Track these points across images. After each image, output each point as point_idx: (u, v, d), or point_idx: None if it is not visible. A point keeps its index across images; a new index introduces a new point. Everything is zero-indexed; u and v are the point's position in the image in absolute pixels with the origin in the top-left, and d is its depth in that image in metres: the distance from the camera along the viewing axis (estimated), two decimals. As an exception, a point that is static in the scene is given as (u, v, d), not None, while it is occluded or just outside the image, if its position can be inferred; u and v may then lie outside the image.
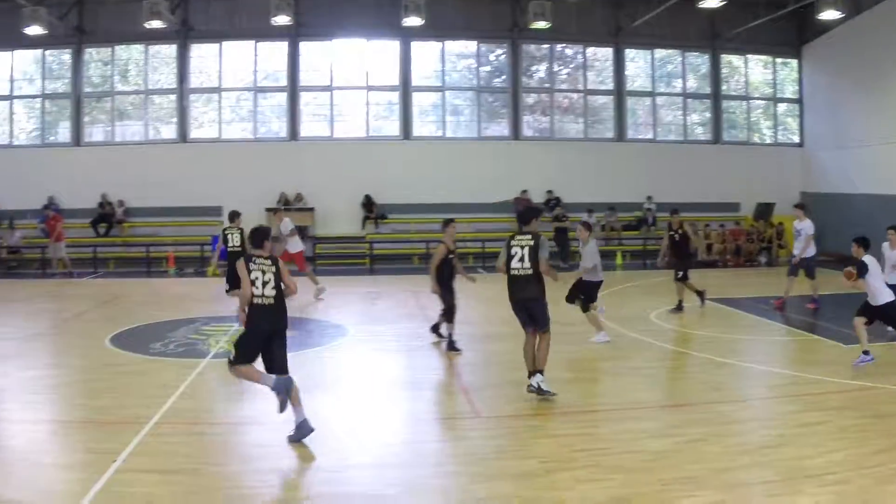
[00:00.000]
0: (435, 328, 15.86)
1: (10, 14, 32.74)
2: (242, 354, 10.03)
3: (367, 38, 35.46)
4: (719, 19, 34.69)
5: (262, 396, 11.69)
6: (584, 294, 16.01)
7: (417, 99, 35.75)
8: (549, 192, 34.40)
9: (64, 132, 36.09)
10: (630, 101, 36.38)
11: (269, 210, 32.94)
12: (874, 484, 8.13)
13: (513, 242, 11.74)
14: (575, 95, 36.66)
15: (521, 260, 11.54)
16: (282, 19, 32.11)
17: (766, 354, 15.05)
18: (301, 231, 32.77)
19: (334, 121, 35.63)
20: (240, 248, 19.00)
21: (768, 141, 37.91)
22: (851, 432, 9.85)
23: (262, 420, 10.71)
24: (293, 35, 34.89)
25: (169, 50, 35.69)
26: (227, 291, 18.62)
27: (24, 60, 36.23)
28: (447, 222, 15.16)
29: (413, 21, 31.69)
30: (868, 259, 13.24)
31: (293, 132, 35.34)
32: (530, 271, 11.53)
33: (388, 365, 13.74)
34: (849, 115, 32.79)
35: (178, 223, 33.69)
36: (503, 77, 36.17)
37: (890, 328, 14.37)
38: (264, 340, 10.01)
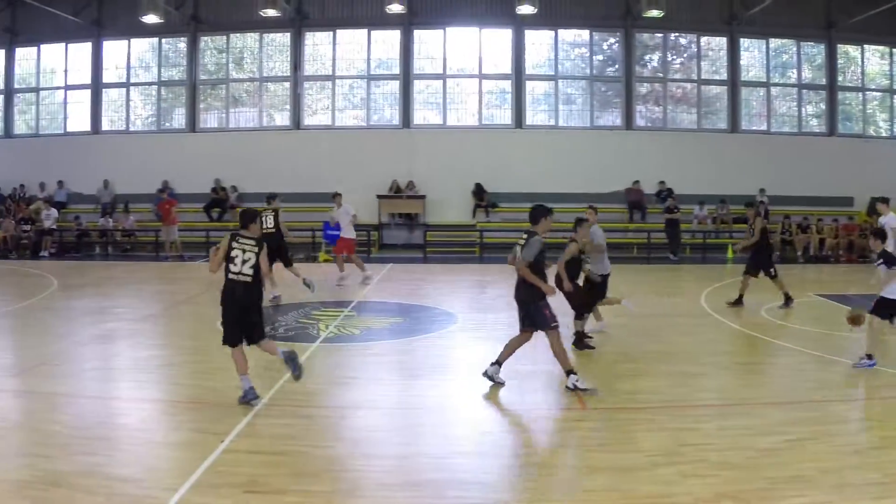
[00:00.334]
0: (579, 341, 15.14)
1: (127, 3, 33.43)
2: (228, 335, 10.48)
3: (479, 26, 35.45)
4: (835, 8, 34.28)
5: (371, 382, 11.83)
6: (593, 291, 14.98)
7: (530, 87, 35.70)
8: (661, 182, 34.11)
9: (179, 119, 36.68)
10: (744, 92, 35.89)
11: (380, 197, 33.20)
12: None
13: (520, 241, 11.48)
14: (688, 85, 36.32)
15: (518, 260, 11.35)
16: (395, 7, 32.30)
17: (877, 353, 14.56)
18: (411, 218, 33.14)
19: (447, 109, 35.79)
20: (273, 230, 18.86)
21: (884, 134, 37.16)
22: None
23: (369, 405, 10.71)
24: (406, 23, 35.03)
25: (283, 38, 36.05)
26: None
27: (141, 48, 36.99)
28: (580, 221, 14.70)
29: (526, 9, 31.66)
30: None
31: (406, 120, 35.48)
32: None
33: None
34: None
35: (289, 209, 33.67)
36: (616, 66, 35.95)
37: None
38: (240, 313, 10.42)
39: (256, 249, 10.33)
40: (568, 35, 36.00)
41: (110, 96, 37.10)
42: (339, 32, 35.74)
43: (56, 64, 37.26)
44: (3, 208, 34.34)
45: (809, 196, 33.69)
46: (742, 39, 35.54)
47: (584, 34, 35.92)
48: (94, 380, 11.92)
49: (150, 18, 32.38)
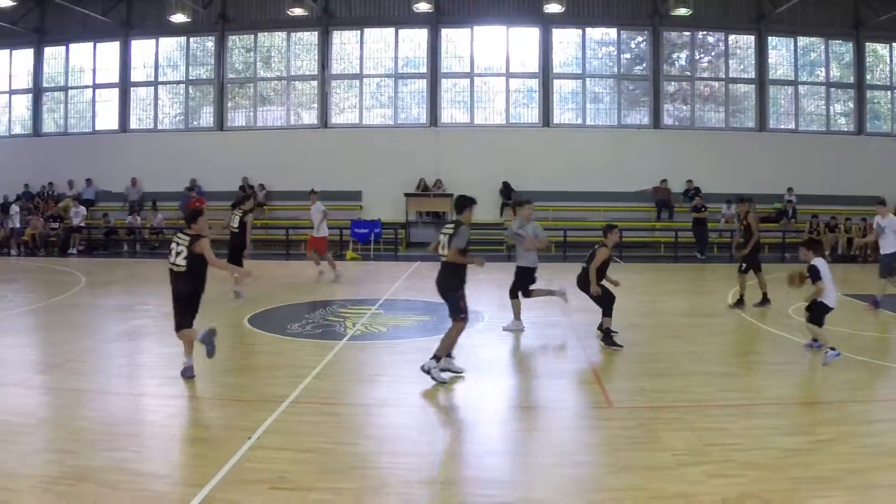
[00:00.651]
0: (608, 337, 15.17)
1: (156, 3, 33.78)
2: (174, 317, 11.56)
3: (507, 24, 35.46)
4: (863, 6, 34.08)
5: (397, 379, 11.76)
6: (521, 280, 15.50)
7: (557, 86, 35.64)
8: (689, 181, 34.03)
9: (207, 117, 36.88)
10: (772, 90, 35.72)
11: (407, 195, 33.24)
12: None
13: (442, 230, 11.99)
14: (716, 84, 36.19)
15: (444, 248, 11.68)
16: (423, 6, 32.38)
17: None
18: (438, 217, 33.15)
19: (474, 107, 35.80)
20: (237, 230, 19.83)
21: (914, 132, 36.76)
22: None
23: (397, 403, 10.64)
24: (434, 22, 35.09)
25: (311, 37, 36.20)
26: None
27: (169, 47, 37.31)
28: (610, 228, 14.89)
29: (553, 8, 31.67)
30: (819, 262, 12.99)
31: (433, 118, 35.52)
32: (446, 260, 11.71)
33: (523, 353, 13.53)
34: None
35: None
36: (643, 65, 35.87)
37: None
38: (174, 300, 11.53)
39: (187, 243, 11.17)
40: (595, 33, 35.91)
41: (138, 95, 37.38)
42: (367, 31, 35.89)
43: (84, 63, 37.60)
44: (32, 206, 34.62)
45: (837, 195, 33.49)
46: (770, 38, 35.39)
47: (612, 32, 35.81)
48: (121, 376, 11.96)
49: (178, 17, 32.72)
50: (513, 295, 15.56)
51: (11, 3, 29.64)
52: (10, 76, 38.30)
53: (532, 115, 35.59)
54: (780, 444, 8.70)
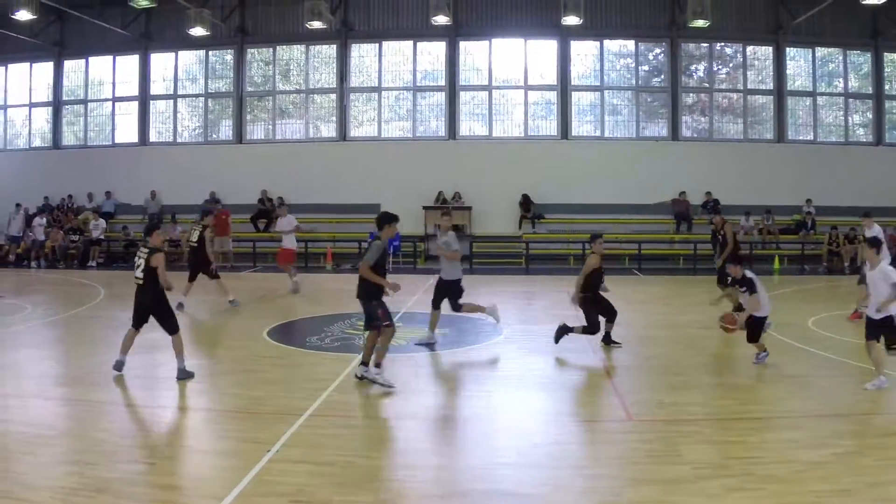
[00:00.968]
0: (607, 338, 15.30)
1: (175, 16, 33.96)
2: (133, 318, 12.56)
3: (525, 37, 35.45)
4: (882, 16, 33.86)
5: (415, 392, 11.82)
6: (449, 293, 15.52)
7: (576, 98, 35.59)
8: (708, 193, 33.86)
9: (226, 130, 37.02)
10: (790, 101, 35.54)
11: (426, 208, 33.24)
12: None
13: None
14: (734, 95, 36.08)
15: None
16: (441, 19, 32.29)
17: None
18: (457, 229, 33.11)
19: (492, 120, 35.81)
20: (195, 244, 20.66)
21: (934, 143, 36.52)
22: None
23: (414, 415, 10.71)
24: (452, 35, 35.14)
25: (329, 50, 36.29)
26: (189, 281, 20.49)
27: (188, 60, 37.48)
28: (594, 237, 15.12)
29: (571, 20, 31.55)
30: (750, 274, 13.03)
31: (451, 131, 35.53)
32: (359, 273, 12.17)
33: (541, 365, 13.45)
34: None
35: (336, 220, 34.13)
36: (662, 76, 35.79)
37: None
38: (143, 311, 12.50)
39: (145, 257, 12.15)
40: (613, 45, 35.86)
41: (158, 108, 37.58)
42: (385, 44, 35.96)
43: (104, 76, 37.82)
44: (52, 218, 34.75)
45: (857, 206, 33.22)
46: (788, 48, 35.22)
47: (630, 44, 35.76)
48: (140, 388, 12.04)
49: (198, 31, 32.79)
50: (435, 305, 15.61)
51: (32, 17, 29.76)
52: (31, 89, 38.55)
53: (550, 127, 35.54)
54: (801, 458, 8.67)
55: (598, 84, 35.56)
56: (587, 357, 14.27)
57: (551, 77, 35.44)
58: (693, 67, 36.22)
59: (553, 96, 35.50)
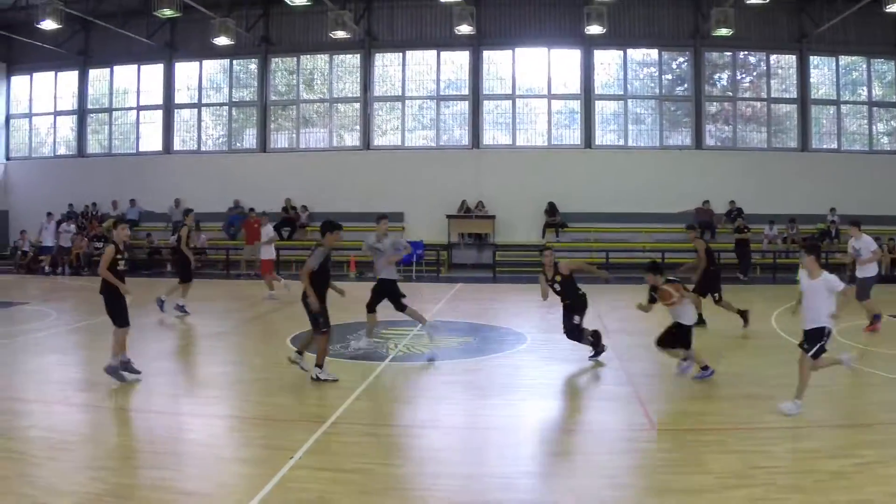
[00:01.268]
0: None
1: (199, 25, 34.08)
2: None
3: (548, 46, 35.49)
4: (906, 24, 33.80)
5: (439, 401, 11.82)
6: (388, 294, 15.69)
7: (599, 107, 35.61)
8: (732, 202, 33.79)
9: (250, 139, 37.20)
10: (814, 110, 35.42)
11: (449, 217, 33.27)
12: None
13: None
14: (758, 104, 35.97)
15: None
16: (464, 28, 32.37)
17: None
18: (480, 238, 33.18)
19: (516, 129, 35.86)
20: (174, 246, 21.49)
21: (958, 150, 36.27)
22: None
23: (437, 424, 10.68)
24: (475, 44, 35.24)
25: (353, 59, 36.49)
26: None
27: (213, 69, 37.74)
28: (544, 249, 15.38)
29: (595, 29, 31.59)
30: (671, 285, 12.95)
31: (475, 140, 35.59)
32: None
33: (565, 374, 13.44)
34: None
35: (359, 228, 33.99)
36: (685, 85, 35.74)
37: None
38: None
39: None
40: (637, 54, 35.84)
41: (182, 116, 37.83)
42: (409, 53, 36.11)
43: (129, 85, 38.16)
44: (76, 226, 34.93)
45: (881, 215, 33.06)
46: (812, 57, 35.11)
47: (653, 53, 35.72)
48: (164, 395, 12.05)
49: (222, 40, 32.94)
50: (370, 309, 15.71)
51: (57, 27, 30.01)
52: (56, 98, 38.94)
53: (574, 136, 35.54)
54: (824, 467, 8.59)
55: (622, 93, 35.58)
56: (610, 365, 14.23)
57: (575, 86, 35.47)
58: (717, 76, 36.17)
59: (576, 105, 35.53)
